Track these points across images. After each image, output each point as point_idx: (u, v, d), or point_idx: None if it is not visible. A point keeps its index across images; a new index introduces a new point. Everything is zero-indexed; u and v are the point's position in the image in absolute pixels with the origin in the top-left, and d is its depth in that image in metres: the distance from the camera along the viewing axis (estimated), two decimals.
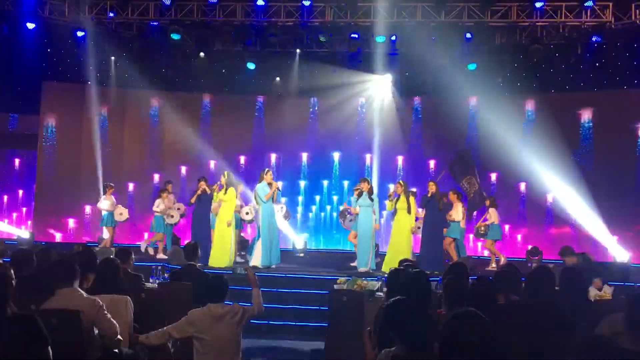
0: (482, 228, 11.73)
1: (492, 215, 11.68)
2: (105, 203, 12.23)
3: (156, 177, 14.89)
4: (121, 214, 12.35)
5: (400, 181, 11.05)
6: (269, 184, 10.40)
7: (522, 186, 14.16)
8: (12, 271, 3.98)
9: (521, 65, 13.14)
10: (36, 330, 2.85)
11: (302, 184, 15.28)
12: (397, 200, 10.57)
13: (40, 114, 14.33)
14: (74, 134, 14.50)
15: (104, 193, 12.42)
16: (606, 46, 12.67)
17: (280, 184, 12.36)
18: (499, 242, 12.17)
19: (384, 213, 12.89)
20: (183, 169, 15.03)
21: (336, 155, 15.24)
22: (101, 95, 14.21)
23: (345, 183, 15.09)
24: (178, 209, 12.30)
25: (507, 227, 13.76)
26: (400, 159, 15.00)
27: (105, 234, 12.29)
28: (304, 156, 15.29)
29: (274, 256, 10.41)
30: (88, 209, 14.38)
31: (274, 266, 10.36)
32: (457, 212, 11.30)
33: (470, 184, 12.37)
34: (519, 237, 14.28)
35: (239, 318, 4.67)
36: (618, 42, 12.66)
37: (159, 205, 12.11)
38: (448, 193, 11.33)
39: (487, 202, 11.93)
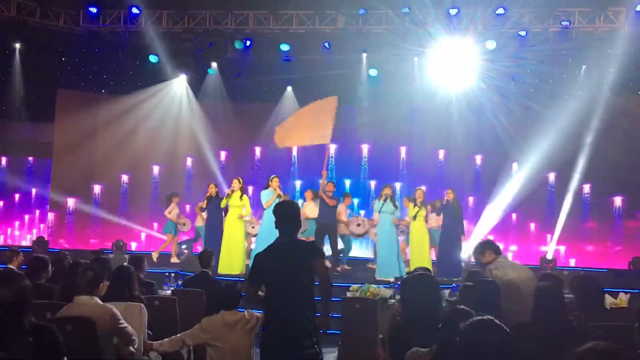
0: None
1: None
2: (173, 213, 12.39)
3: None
4: (184, 224, 12.51)
5: (422, 188, 10.80)
6: (274, 190, 10.27)
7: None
8: (28, 281, 4.01)
9: None
10: (53, 341, 2.87)
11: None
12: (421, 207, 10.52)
13: (55, 122, 14.47)
14: (88, 142, 14.60)
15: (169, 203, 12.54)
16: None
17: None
18: None
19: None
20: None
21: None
22: (115, 103, 14.30)
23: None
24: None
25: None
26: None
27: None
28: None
29: None
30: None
31: None
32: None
33: None
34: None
35: (252, 325, 4.68)
36: None
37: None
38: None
39: None
